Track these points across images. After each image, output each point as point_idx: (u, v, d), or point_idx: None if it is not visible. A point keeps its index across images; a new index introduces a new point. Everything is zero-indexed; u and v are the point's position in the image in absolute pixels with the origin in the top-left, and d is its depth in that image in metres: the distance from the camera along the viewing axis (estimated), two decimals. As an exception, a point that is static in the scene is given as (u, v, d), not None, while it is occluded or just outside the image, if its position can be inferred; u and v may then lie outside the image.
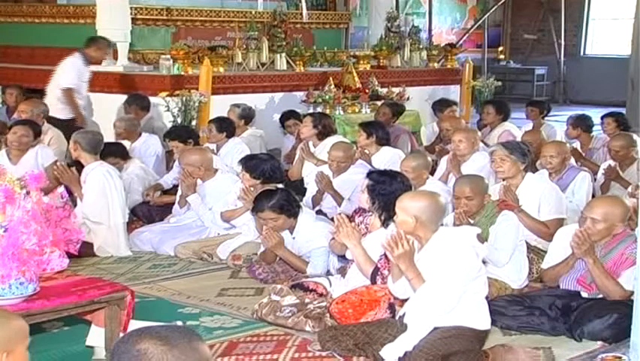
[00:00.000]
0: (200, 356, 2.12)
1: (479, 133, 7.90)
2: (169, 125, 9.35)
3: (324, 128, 8.15)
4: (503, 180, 6.15)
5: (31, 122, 7.68)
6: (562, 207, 6.13)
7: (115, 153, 7.35)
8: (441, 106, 10.24)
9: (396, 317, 4.47)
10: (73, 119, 8.96)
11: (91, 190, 6.46)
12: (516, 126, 9.75)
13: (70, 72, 9.10)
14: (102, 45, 9.48)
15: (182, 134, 7.99)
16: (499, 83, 13.05)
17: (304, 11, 12.51)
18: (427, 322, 4.17)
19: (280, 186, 6.31)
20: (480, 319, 4.27)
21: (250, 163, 6.50)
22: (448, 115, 9.82)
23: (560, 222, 5.91)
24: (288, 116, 9.40)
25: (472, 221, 5.35)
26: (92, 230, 6.47)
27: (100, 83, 10.46)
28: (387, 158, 7.61)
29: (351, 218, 5.31)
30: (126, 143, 8.33)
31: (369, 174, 5.31)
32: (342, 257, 5.51)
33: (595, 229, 4.79)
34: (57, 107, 8.92)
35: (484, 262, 5.23)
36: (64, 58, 9.41)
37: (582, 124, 9.02)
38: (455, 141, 7.28)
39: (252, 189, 6.34)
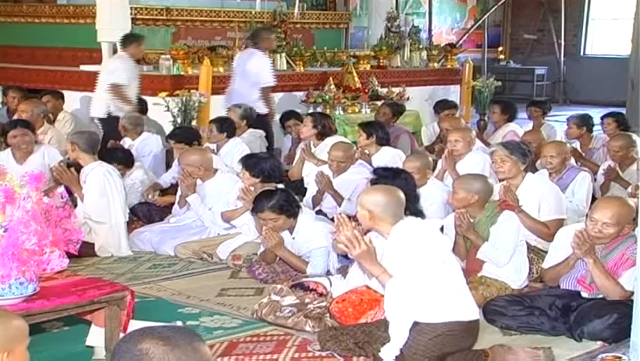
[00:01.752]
0: (201, 357, 2.13)
1: (474, 133, 7.90)
2: (169, 125, 9.36)
3: (324, 128, 8.16)
4: (503, 180, 6.15)
5: (23, 121, 7.67)
6: (562, 208, 6.12)
7: (119, 160, 7.32)
8: (441, 107, 10.25)
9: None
10: (267, 114, 9.40)
11: (92, 190, 6.47)
12: (520, 127, 9.74)
13: (268, 70, 9.56)
14: (269, 35, 9.91)
15: (188, 136, 7.98)
16: (499, 83, 13.04)
17: (296, 10, 12.45)
18: (404, 316, 4.16)
19: (280, 185, 6.31)
20: (465, 309, 4.26)
21: (249, 161, 6.51)
22: (447, 115, 9.82)
23: (560, 223, 5.91)
24: (289, 116, 9.40)
25: (472, 220, 5.35)
26: (93, 230, 6.47)
27: (100, 83, 10.47)
28: (388, 158, 7.60)
29: (354, 217, 5.31)
30: (127, 140, 8.35)
31: (375, 170, 5.36)
32: (344, 257, 5.51)
33: (607, 232, 4.77)
34: (257, 104, 9.31)
35: (483, 260, 5.25)
36: (244, 54, 9.76)
37: (587, 124, 9.03)
38: (452, 141, 7.29)
39: (251, 188, 6.35)
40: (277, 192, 5.79)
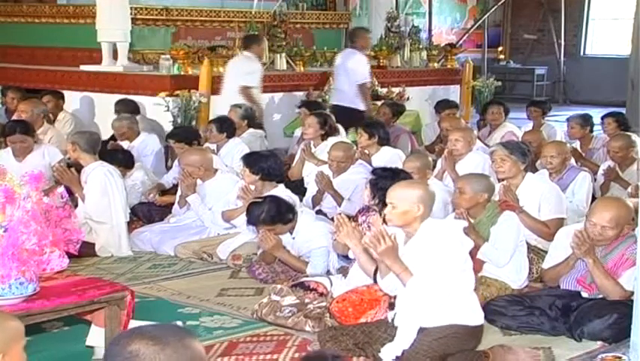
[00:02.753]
0: (192, 354, 2.11)
1: (474, 133, 7.90)
2: (169, 125, 9.36)
3: (330, 128, 8.18)
4: (503, 180, 6.15)
5: (22, 125, 7.62)
6: (562, 207, 6.12)
7: (120, 162, 7.30)
8: (442, 107, 10.24)
9: (389, 319, 4.46)
10: (362, 111, 9.79)
11: (93, 190, 6.47)
12: (516, 127, 9.75)
13: (365, 67, 10.07)
14: (366, 34, 10.48)
15: (188, 135, 7.96)
16: (499, 83, 13.04)
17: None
18: (419, 316, 4.16)
19: (281, 185, 6.32)
20: (471, 314, 4.26)
21: (250, 159, 6.54)
22: (448, 115, 9.81)
23: (560, 222, 5.91)
24: (302, 105, 9.53)
25: (472, 220, 5.34)
26: (94, 230, 6.47)
27: (100, 83, 10.49)
28: (387, 158, 7.60)
29: (354, 217, 5.32)
30: (124, 142, 8.34)
31: (374, 170, 5.34)
32: (345, 257, 5.51)
33: (607, 235, 4.78)
34: (355, 101, 9.84)
35: (484, 261, 5.25)
36: (344, 53, 10.38)
37: (589, 124, 9.03)
38: (452, 140, 7.28)
39: (251, 187, 6.36)
40: (265, 203, 5.72)
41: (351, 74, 9.91)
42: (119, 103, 9.27)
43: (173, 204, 7.21)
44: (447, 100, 10.80)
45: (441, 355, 4.15)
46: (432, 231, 4.21)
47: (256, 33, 10.42)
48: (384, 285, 4.41)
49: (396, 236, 4.22)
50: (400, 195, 4.27)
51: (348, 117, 9.42)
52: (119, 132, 8.41)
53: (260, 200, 5.84)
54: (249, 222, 5.80)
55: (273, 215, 5.66)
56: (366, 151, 7.76)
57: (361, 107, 9.83)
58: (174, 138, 7.96)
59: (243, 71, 9.25)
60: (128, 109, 9.10)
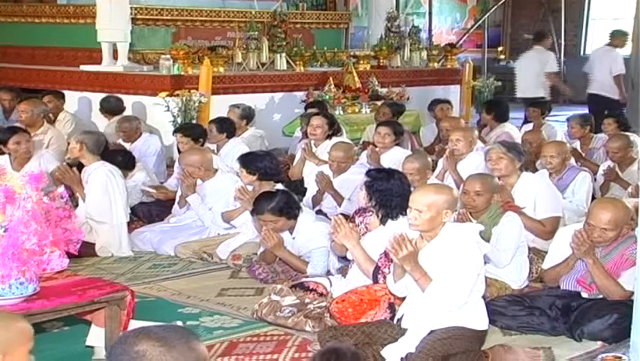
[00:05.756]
0: (197, 356, 2.12)
1: (475, 133, 7.89)
2: (169, 125, 9.36)
3: (338, 127, 8.20)
4: (499, 178, 6.14)
5: (18, 128, 7.48)
6: (558, 205, 6.12)
7: (119, 164, 7.26)
8: (434, 104, 10.25)
9: (395, 320, 4.45)
10: (617, 100, 11.55)
11: (94, 190, 6.46)
12: (515, 127, 9.73)
13: (621, 62, 11.90)
14: (624, 37, 12.40)
15: (195, 132, 7.88)
16: (499, 83, 13.04)
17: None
18: (432, 320, 4.16)
19: (279, 185, 6.31)
20: (478, 319, 4.26)
21: (246, 158, 6.54)
22: (446, 115, 9.80)
23: (556, 220, 5.91)
24: (312, 105, 9.54)
25: (474, 221, 5.34)
26: (94, 230, 6.47)
27: (100, 83, 10.50)
28: (398, 157, 7.58)
29: (351, 218, 5.31)
30: (125, 144, 8.32)
31: (368, 172, 5.33)
32: (343, 258, 5.50)
33: (606, 237, 4.77)
34: (608, 89, 11.64)
35: (485, 261, 5.25)
36: (600, 50, 12.55)
37: (589, 124, 9.02)
38: (453, 140, 7.27)
39: (249, 187, 6.35)
40: (277, 194, 5.77)
41: (611, 68, 11.62)
42: (106, 100, 9.27)
43: (173, 201, 7.19)
44: (437, 99, 10.74)
45: (443, 355, 4.15)
46: (452, 235, 4.20)
47: (545, 30, 13.82)
48: (396, 288, 4.38)
49: (417, 242, 4.21)
50: (427, 201, 4.20)
51: (605, 105, 10.98)
52: (127, 133, 8.38)
53: (272, 191, 5.87)
54: (256, 210, 5.78)
55: (282, 206, 5.66)
56: (377, 149, 7.76)
57: (616, 96, 11.52)
58: (181, 131, 7.89)
59: (542, 62, 11.81)
60: (114, 107, 9.12)
